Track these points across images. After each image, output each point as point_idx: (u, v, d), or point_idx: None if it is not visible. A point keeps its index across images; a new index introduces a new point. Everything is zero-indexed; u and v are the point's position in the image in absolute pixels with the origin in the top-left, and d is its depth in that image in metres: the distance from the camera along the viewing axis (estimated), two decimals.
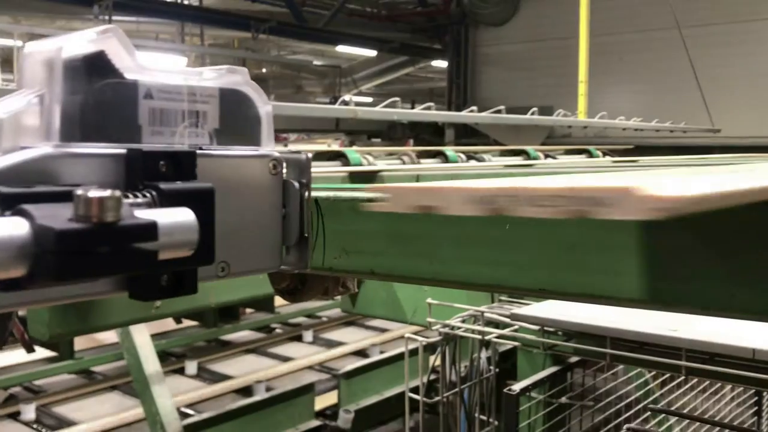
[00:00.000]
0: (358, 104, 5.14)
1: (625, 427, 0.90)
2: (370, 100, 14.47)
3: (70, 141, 0.43)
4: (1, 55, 5.49)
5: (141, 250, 0.38)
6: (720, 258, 0.71)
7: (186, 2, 11.54)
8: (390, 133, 10.54)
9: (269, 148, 0.53)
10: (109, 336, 5.67)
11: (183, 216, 0.41)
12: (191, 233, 0.42)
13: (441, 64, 13.05)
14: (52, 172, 0.41)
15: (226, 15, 11.00)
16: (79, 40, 0.43)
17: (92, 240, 0.36)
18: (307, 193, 0.54)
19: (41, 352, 5.17)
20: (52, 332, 1.73)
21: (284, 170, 0.54)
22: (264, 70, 14.61)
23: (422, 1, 12.57)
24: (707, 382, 2.41)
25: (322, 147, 6.55)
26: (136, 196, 0.42)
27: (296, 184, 0.54)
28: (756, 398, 2.57)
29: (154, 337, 4.07)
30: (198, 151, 0.48)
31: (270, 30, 10.65)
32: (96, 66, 0.43)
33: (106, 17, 9.31)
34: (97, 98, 0.43)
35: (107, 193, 0.37)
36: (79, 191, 0.37)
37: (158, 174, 0.44)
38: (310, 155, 0.55)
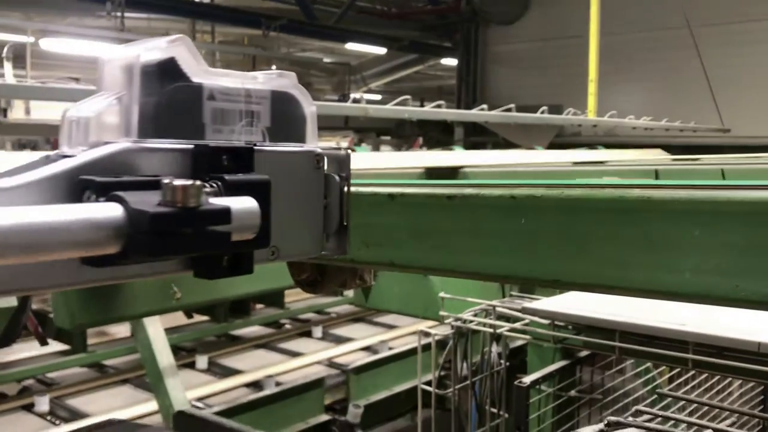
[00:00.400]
0: (368, 102, 5.19)
1: (606, 418, 0.93)
2: (379, 97, 14.52)
3: (145, 137, 0.48)
4: (12, 51, 5.55)
5: (217, 232, 0.43)
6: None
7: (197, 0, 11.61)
8: (399, 131, 10.57)
9: (313, 144, 0.59)
10: (121, 330, 5.75)
11: (248, 203, 0.47)
12: (255, 218, 0.47)
13: (450, 62, 13.08)
14: (131, 164, 0.47)
15: (237, 12, 11.06)
16: (153, 48, 0.48)
17: (178, 222, 0.41)
18: (346, 186, 0.59)
19: (54, 345, 5.25)
20: (78, 321, 1.79)
21: (326, 165, 0.59)
22: (273, 68, 14.68)
23: None
24: (715, 379, 2.45)
25: (330, 144, 6.59)
26: (205, 187, 0.48)
27: (337, 178, 0.59)
28: (762, 396, 2.61)
29: (166, 331, 4.13)
30: (255, 147, 0.53)
31: (280, 27, 10.70)
32: (168, 71, 0.49)
33: (118, 14, 9.37)
34: (168, 99, 0.49)
35: (190, 182, 0.42)
36: (166, 180, 0.43)
37: (221, 167, 0.50)
38: (349, 152, 0.60)
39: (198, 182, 0.42)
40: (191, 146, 0.50)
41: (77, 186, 0.44)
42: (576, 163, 3.05)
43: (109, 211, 0.41)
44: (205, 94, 0.51)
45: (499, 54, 11.43)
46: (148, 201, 0.42)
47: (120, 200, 0.42)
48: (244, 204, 0.46)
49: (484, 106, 5.52)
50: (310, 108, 0.58)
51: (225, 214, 0.44)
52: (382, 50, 12.76)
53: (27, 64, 9.19)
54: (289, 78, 0.57)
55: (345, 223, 0.61)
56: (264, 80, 0.55)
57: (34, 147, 11.24)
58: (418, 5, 13.22)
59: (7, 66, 5.56)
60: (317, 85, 16.33)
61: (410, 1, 13.41)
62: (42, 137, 10.45)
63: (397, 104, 4.94)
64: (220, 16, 10.91)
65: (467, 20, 11.61)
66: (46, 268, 0.41)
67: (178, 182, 0.42)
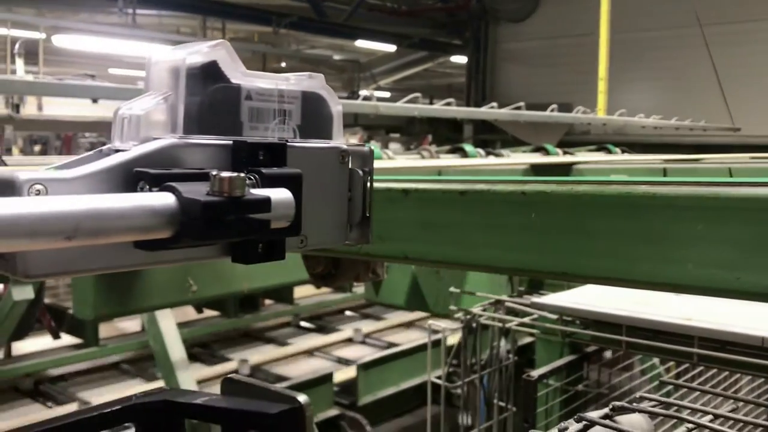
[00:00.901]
0: (378, 100, 5.23)
1: (612, 403, 0.96)
2: (388, 95, 14.55)
3: (190, 133, 0.53)
4: (24, 47, 5.60)
5: (258, 220, 0.48)
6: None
7: None
8: (408, 129, 10.61)
9: (339, 141, 0.64)
10: (132, 325, 5.81)
11: (285, 194, 0.51)
12: (290, 208, 0.52)
13: (460, 59, 13.09)
14: (177, 158, 0.52)
15: (247, 9, 11.11)
16: (197, 52, 0.53)
17: (226, 210, 0.46)
18: (369, 180, 0.64)
19: (67, 339, 5.32)
20: (97, 313, 1.85)
21: (350, 160, 0.64)
22: (283, 64, 14.75)
23: None
24: (721, 376, 2.48)
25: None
26: (247, 179, 0.52)
27: (360, 172, 0.64)
28: None
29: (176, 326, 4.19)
30: (287, 143, 0.58)
31: (290, 24, 10.74)
32: (210, 73, 0.53)
33: (130, 11, 9.42)
34: (210, 99, 0.53)
35: (235, 174, 0.47)
36: (214, 172, 0.47)
37: (258, 161, 0.54)
38: (372, 148, 0.64)
39: (242, 174, 0.47)
40: (230, 142, 0.55)
41: (132, 177, 0.49)
42: (666, 161, 3.16)
43: (164, 199, 0.45)
44: (243, 94, 0.56)
45: (509, 52, 11.44)
46: (197, 191, 0.46)
47: (173, 190, 0.46)
48: (281, 195, 0.51)
49: (494, 104, 5.54)
50: (336, 107, 0.63)
51: (266, 203, 0.48)
52: (391, 48, 12.79)
53: (40, 60, 9.27)
54: (318, 80, 0.61)
55: (368, 215, 0.65)
56: (295, 81, 0.60)
57: (45, 143, 11.33)
58: (428, 3, 13.23)
59: (19, 62, 5.61)
60: (327, 82, 16.34)
61: None
62: (53, 133, 10.54)
63: (407, 102, 4.98)
64: (231, 12, 10.95)
65: (477, 18, 11.62)
66: (103, 251, 0.46)
67: (225, 174, 0.47)
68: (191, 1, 10.60)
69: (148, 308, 2.10)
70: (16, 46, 5.73)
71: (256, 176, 0.53)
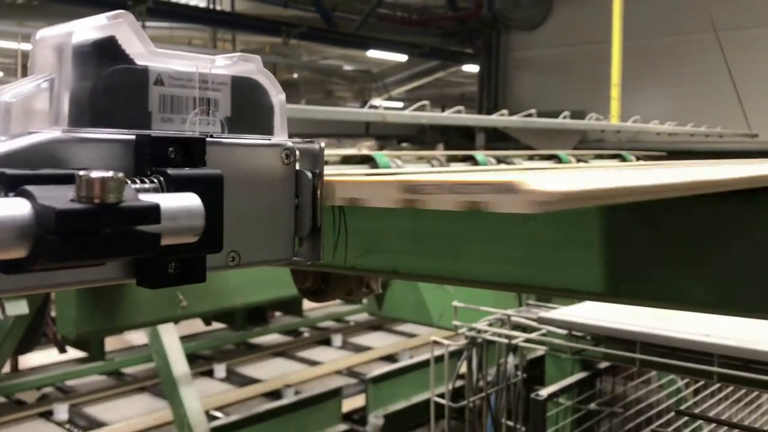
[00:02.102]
0: (387, 109, 5.15)
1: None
2: (400, 105, 14.48)
3: (78, 126, 0.42)
4: (23, 62, 5.59)
5: (143, 233, 0.37)
6: None
7: (218, 8, 11.66)
8: (420, 138, 10.52)
9: (282, 137, 0.53)
10: (139, 337, 5.74)
11: (188, 201, 0.41)
12: (196, 218, 0.41)
13: (472, 68, 13.01)
14: (61, 157, 0.41)
15: (258, 20, 11.10)
16: (90, 26, 0.43)
17: (94, 221, 0.35)
18: (320, 183, 0.53)
19: (73, 353, 5.26)
20: (80, 330, 1.76)
21: (297, 160, 0.53)
22: (295, 75, 14.73)
23: (453, 5, 12.55)
24: (743, 391, 2.36)
25: (352, 151, 6.56)
26: (143, 182, 0.42)
27: (309, 174, 0.53)
28: None
29: (183, 339, 4.10)
30: (208, 139, 0.47)
31: (301, 35, 10.71)
32: (106, 51, 0.43)
33: (140, 23, 9.44)
34: (106, 84, 0.43)
35: (109, 173, 0.36)
36: (82, 172, 0.36)
37: (167, 160, 0.44)
38: (323, 144, 0.54)
39: (120, 174, 0.36)
40: (132, 137, 0.44)
41: None
42: None
43: (15, 208, 0.35)
44: (152, 78, 0.45)
45: (521, 60, 11.35)
46: (61, 196, 0.36)
47: (28, 195, 0.36)
48: (181, 201, 0.40)
49: (505, 111, 5.44)
50: (278, 96, 0.52)
51: (152, 211, 0.37)
52: (403, 57, 12.74)
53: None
54: (253, 62, 0.50)
55: (318, 225, 0.54)
56: (224, 64, 0.49)
57: None
58: (439, 12, 13.17)
59: None
60: (338, 92, 16.34)
61: (431, 8, 13.38)
62: None
63: (415, 110, 4.89)
64: (241, 24, 10.95)
65: (488, 26, 11.54)
66: None
67: (95, 174, 0.36)
68: (201, 13, 10.62)
69: (135, 325, 2.01)
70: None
71: (160, 178, 0.42)
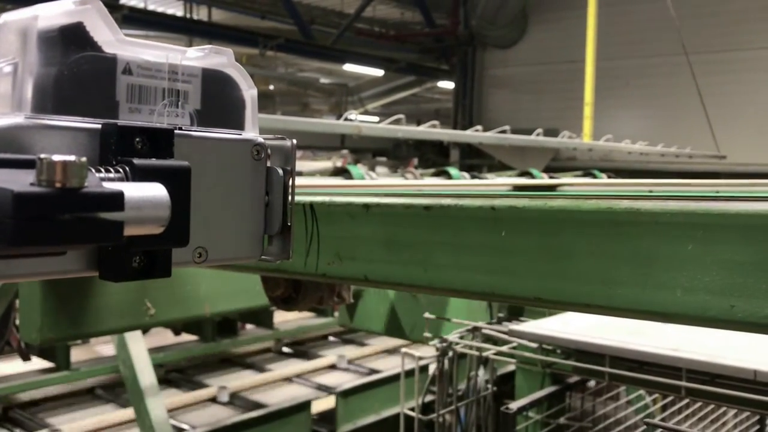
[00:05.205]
0: (362, 122, 5.16)
1: None
2: (376, 119, 14.52)
3: (42, 112, 0.41)
4: None
5: (106, 221, 0.36)
6: None
7: (195, 17, 11.63)
8: (395, 152, 10.55)
9: (253, 133, 0.52)
10: (106, 348, 5.64)
11: (154, 191, 0.40)
12: (161, 209, 0.40)
13: (447, 85, 13.11)
14: (23, 143, 0.40)
15: (235, 31, 11.08)
16: (57, 11, 0.42)
17: (53, 205, 0.34)
18: (291, 181, 0.52)
19: (37, 362, 5.15)
20: (44, 337, 1.71)
21: (268, 157, 0.52)
22: (271, 87, 14.71)
23: (430, 22, 12.64)
24: (709, 408, 2.38)
25: (327, 164, 6.55)
26: (108, 171, 0.41)
27: (280, 171, 0.52)
28: (759, 426, 2.53)
29: (152, 351, 4.03)
30: (176, 131, 0.46)
31: (278, 47, 10.72)
32: (73, 38, 0.42)
33: None
34: (72, 71, 0.42)
35: (72, 158, 0.35)
36: (43, 155, 0.35)
37: (133, 151, 0.43)
38: (294, 142, 0.53)
39: (82, 159, 0.35)
40: (98, 126, 0.43)
41: None
42: (654, 184, 3.01)
43: None
44: (120, 66, 0.44)
45: (496, 77, 11.46)
46: (21, 180, 0.34)
47: None
48: (147, 191, 0.39)
49: (479, 127, 5.48)
50: (249, 91, 0.51)
51: (115, 198, 0.36)
52: (379, 72, 12.79)
53: None
54: (225, 55, 0.50)
55: (289, 224, 0.53)
56: (195, 56, 0.48)
57: None
58: (416, 28, 13.26)
59: None
60: (314, 105, 16.34)
61: (408, 24, 13.47)
62: None
63: (390, 123, 4.90)
64: (218, 33, 10.92)
65: (464, 43, 11.64)
66: None
67: (57, 157, 0.35)
68: (178, 22, 10.58)
69: (101, 332, 1.97)
70: None
71: (125, 168, 0.41)
